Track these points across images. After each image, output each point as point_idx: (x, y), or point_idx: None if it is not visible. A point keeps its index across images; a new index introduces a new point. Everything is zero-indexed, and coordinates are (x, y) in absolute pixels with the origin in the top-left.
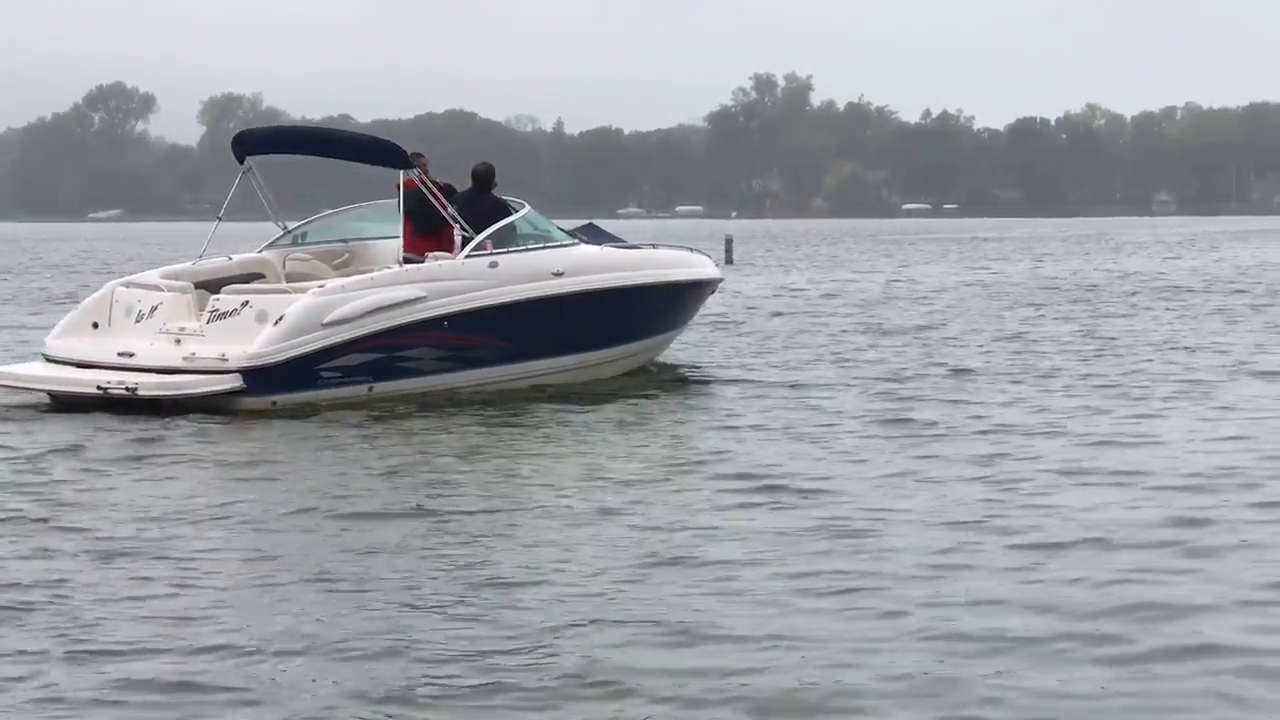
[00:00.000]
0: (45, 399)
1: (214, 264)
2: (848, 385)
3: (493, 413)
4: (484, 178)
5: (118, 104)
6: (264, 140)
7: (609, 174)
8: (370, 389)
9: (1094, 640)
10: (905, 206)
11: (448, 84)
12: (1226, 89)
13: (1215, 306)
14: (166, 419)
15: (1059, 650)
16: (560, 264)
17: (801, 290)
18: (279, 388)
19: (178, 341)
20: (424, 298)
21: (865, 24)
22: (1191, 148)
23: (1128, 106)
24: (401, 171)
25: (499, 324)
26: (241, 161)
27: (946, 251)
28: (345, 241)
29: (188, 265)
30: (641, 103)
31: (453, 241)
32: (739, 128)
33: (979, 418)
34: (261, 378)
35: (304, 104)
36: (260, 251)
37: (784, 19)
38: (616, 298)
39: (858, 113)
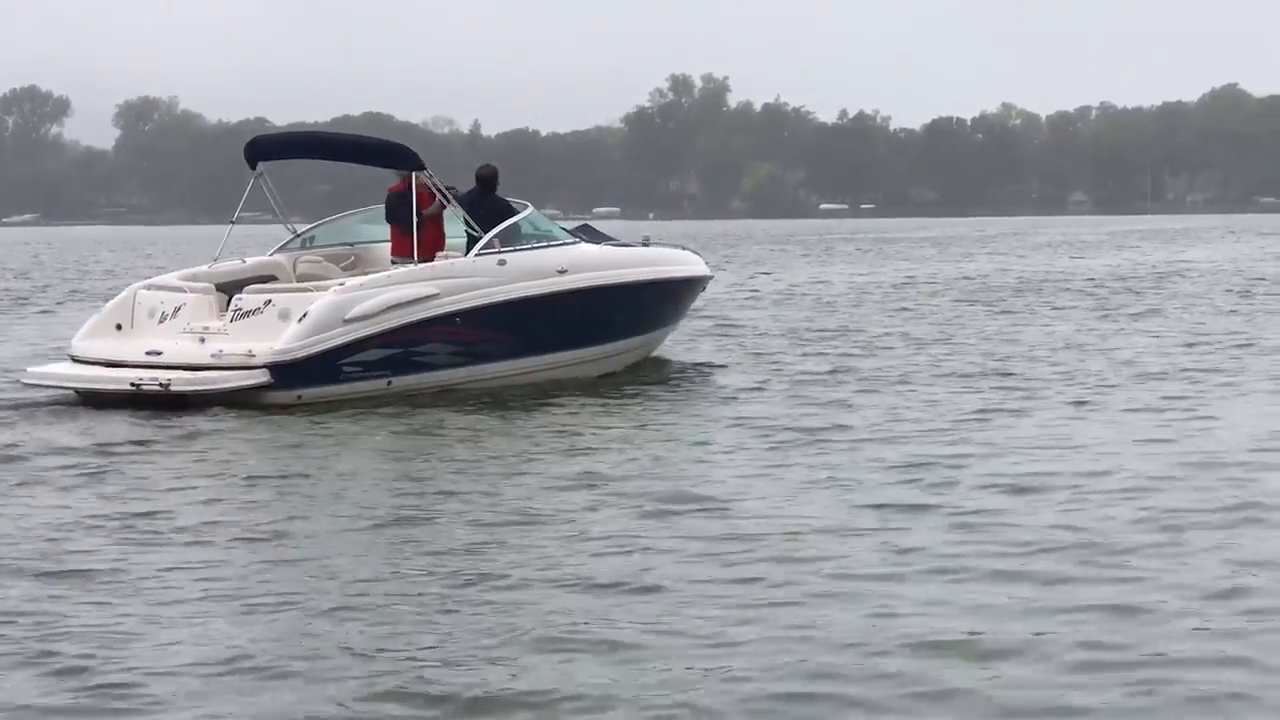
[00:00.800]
0: (73, 396)
1: (229, 266)
2: (772, 387)
3: (499, 411)
4: (488, 180)
5: (32, 108)
6: (275, 146)
7: (526, 176)
8: (389, 383)
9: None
10: (823, 206)
11: (365, 86)
12: (1141, 89)
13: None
14: (196, 413)
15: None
16: (563, 262)
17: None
18: (304, 382)
19: (202, 340)
20: (437, 295)
21: (782, 25)
22: (1106, 147)
23: (1043, 106)
24: (396, 173)
25: (507, 320)
26: (254, 167)
27: (866, 252)
28: (351, 245)
29: (204, 268)
30: (558, 104)
31: (434, 243)
32: (656, 129)
33: (894, 421)
34: (287, 372)
35: (220, 106)
36: (272, 255)
37: (701, 20)
38: (618, 294)
39: (775, 113)
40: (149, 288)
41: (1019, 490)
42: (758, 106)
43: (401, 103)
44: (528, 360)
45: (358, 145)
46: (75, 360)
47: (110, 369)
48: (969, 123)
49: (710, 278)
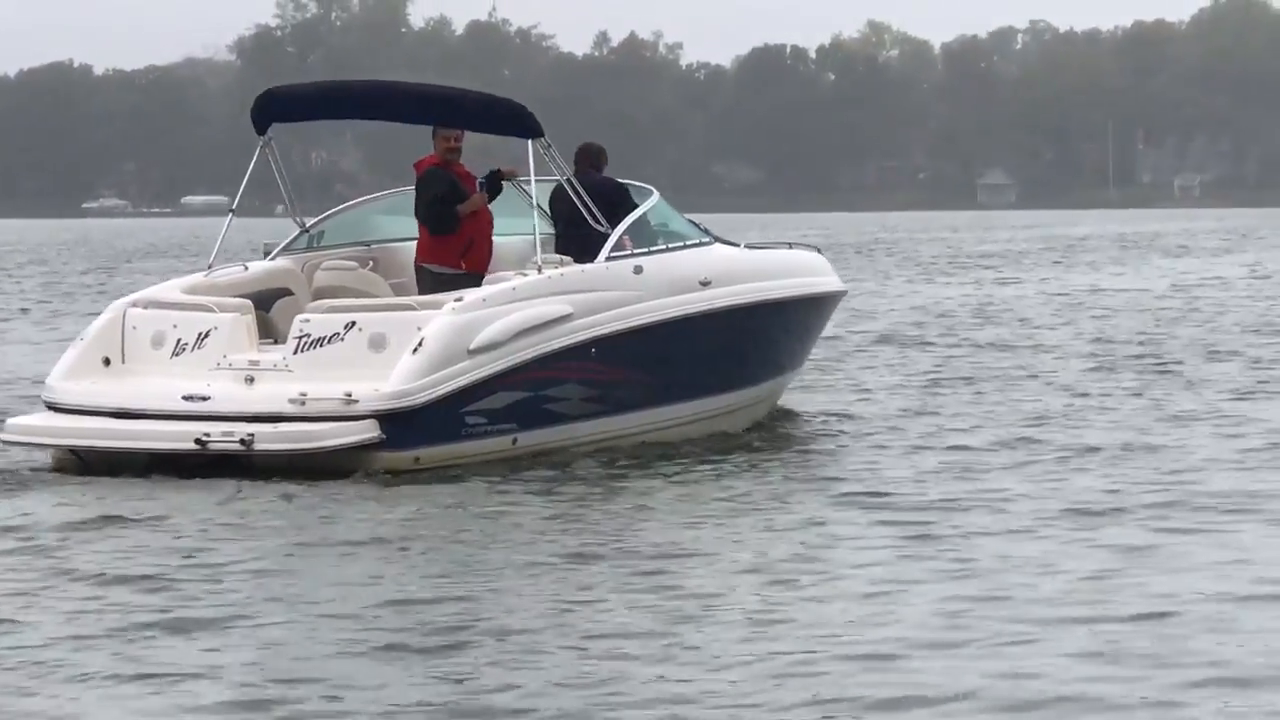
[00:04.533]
0: (49, 459)
1: (230, 276)
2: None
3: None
4: (596, 156)
5: None
6: (301, 102)
7: (69, 143)
8: (514, 441)
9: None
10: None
11: None
12: (1097, 1)
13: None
14: (257, 485)
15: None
16: (705, 269)
17: None
18: (423, 439)
19: (249, 380)
20: (570, 315)
21: None
22: (1040, 95)
23: (936, 29)
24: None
25: (649, 352)
26: (262, 131)
27: None
28: (368, 245)
29: (199, 277)
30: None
31: (485, 247)
32: (285, 60)
33: None
34: (404, 425)
35: None
36: (273, 258)
37: None
38: (773, 314)
39: (491, 39)
40: (144, 306)
41: None
42: (459, 28)
43: None
44: (670, 409)
45: (444, 101)
46: (53, 408)
47: (118, 420)
48: (812, 55)
49: (845, 293)
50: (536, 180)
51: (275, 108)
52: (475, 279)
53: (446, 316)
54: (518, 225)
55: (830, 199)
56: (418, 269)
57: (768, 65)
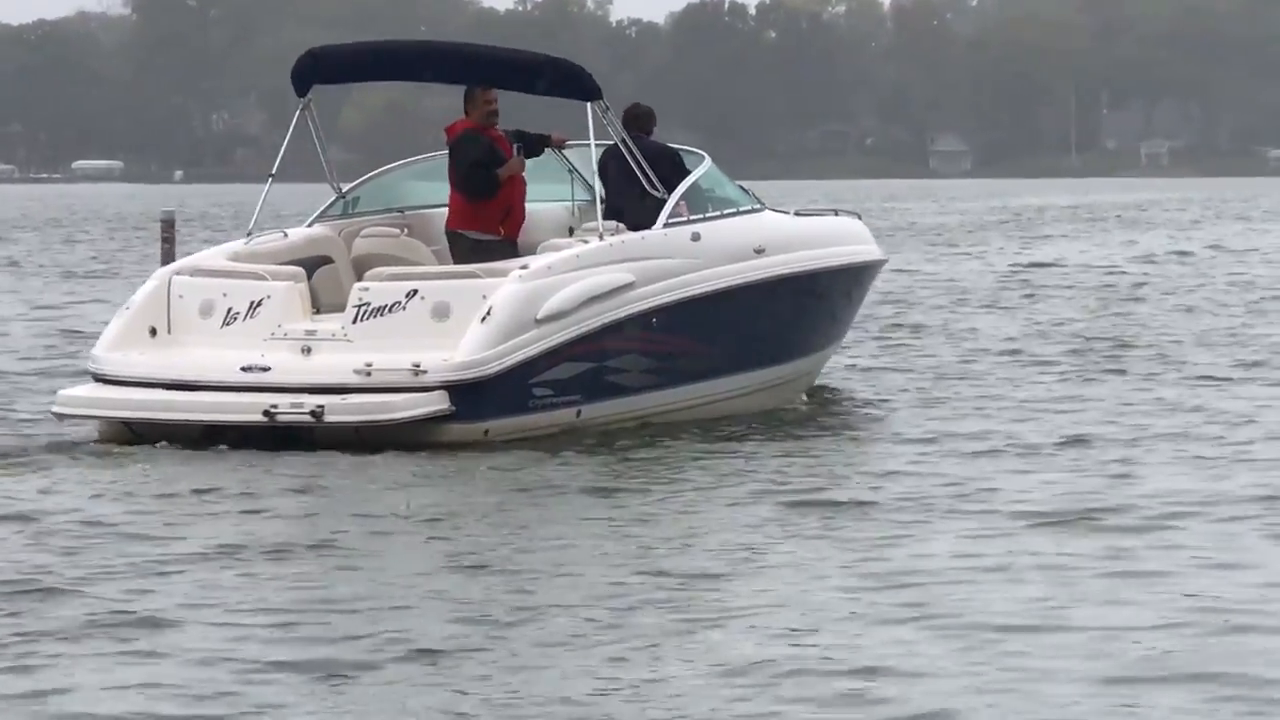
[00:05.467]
0: (95, 432)
1: (271, 244)
2: None
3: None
4: (645, 119)
5: None
6: (349, 63)
7: None
8: (579, 413)
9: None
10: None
11: None
12: None
13: None
14: (322, 458)
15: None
16: (759, 237)
17: None
18: (492, 410)
19: (306, 350)
20: (633, 283)
21: None
22: (997, 58)
23: None
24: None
25: (708, 321)
26: (303, 93)
27: None
28: (401, 211)
29: (240, 244)
30: None
31: (520, 213)
32: (184, 15)
33: None
34: (474, 396)
35: None
36: (310, 225)
37: None
38: (828, 282)
39: None
40: (192, 273)
41: None
42: None
43: None
44: (728, 380)
45: (499, 61)
46: (101, 380)
47: (176, 392)
48: (752, 11)
49: (887, 261)
50: (581, 145)
51: (318, 69)
52: (512, 245)
53: (514, 284)
54: (551, 191)
55: (771, 166)
56: (452, 235)
57: (704, 22)
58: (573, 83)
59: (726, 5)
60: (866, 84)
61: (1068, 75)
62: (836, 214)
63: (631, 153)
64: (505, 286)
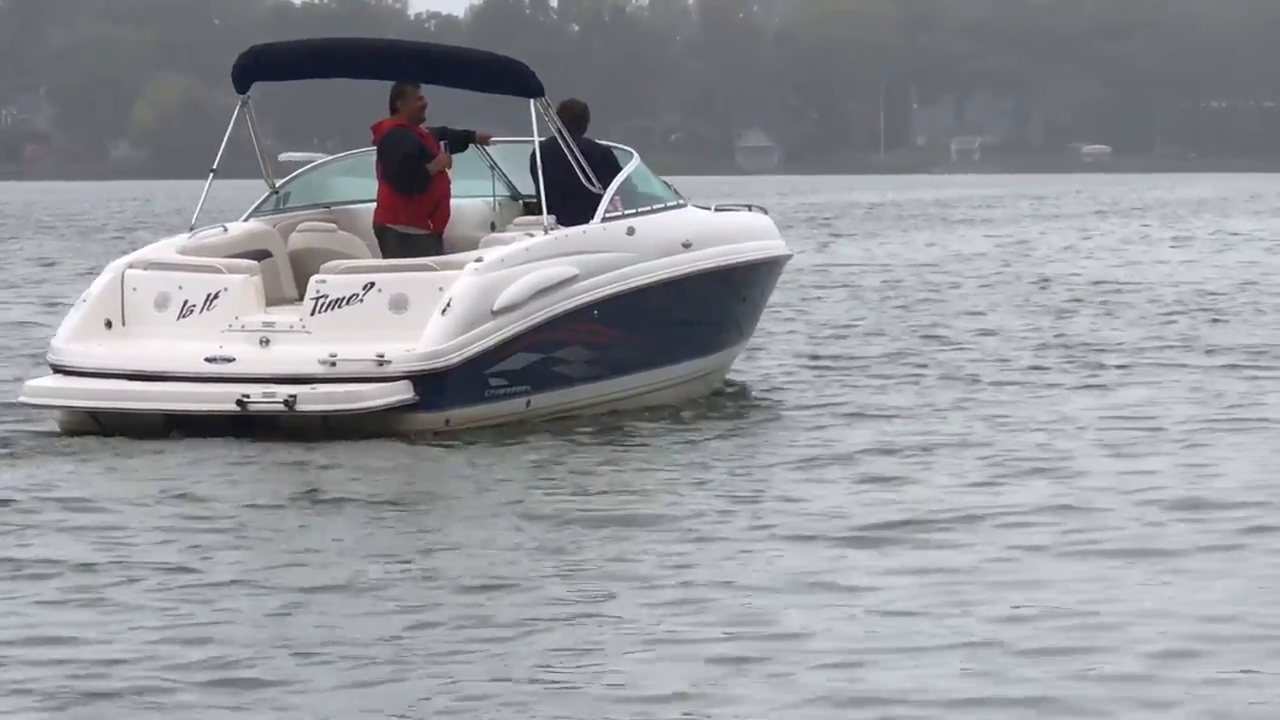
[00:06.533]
0: (54, 422)
1: (214, 238)
2: None
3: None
4: (581, 117)
5: None
6: (287, 60)
7: None
8: (528, 403)
9: None
10: (285, 157)
11: None
12: None
13: None
14: (282, 447)
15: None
16: (685, 231)
17: None
18: (453, 400)
19: (264, 341)
20: (576, 276)
21: None
22: (805, 52)
23: None
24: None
25: (642, 313)
26: (243, 90)
27: None
28: (328, 206)
29: (185, 238)
30: None
31: (447, 209)
32: None
33: None
34: (436, 386)
35: None
36: (246, 219)
37: None
38: (748, 276)
39: None
40: (145, 266)
41: None
42: None
43: None
44: (659, 372)
45: (445, 59)
46: (60, 371)
47: (143, 383)
48: (554, 4)
49: (791, 256)
50: (509, 141)
51: (259, 66)
52: (438, 239)
53: (471, 277)
54: (472, 187)
55: None
56: (380, 229)
57: (505, 15)
58: (516, 80)
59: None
60: (671, 78)
61: (877, 70)
62: (750, 209)
63: (570, 149)
64: (463, 279)
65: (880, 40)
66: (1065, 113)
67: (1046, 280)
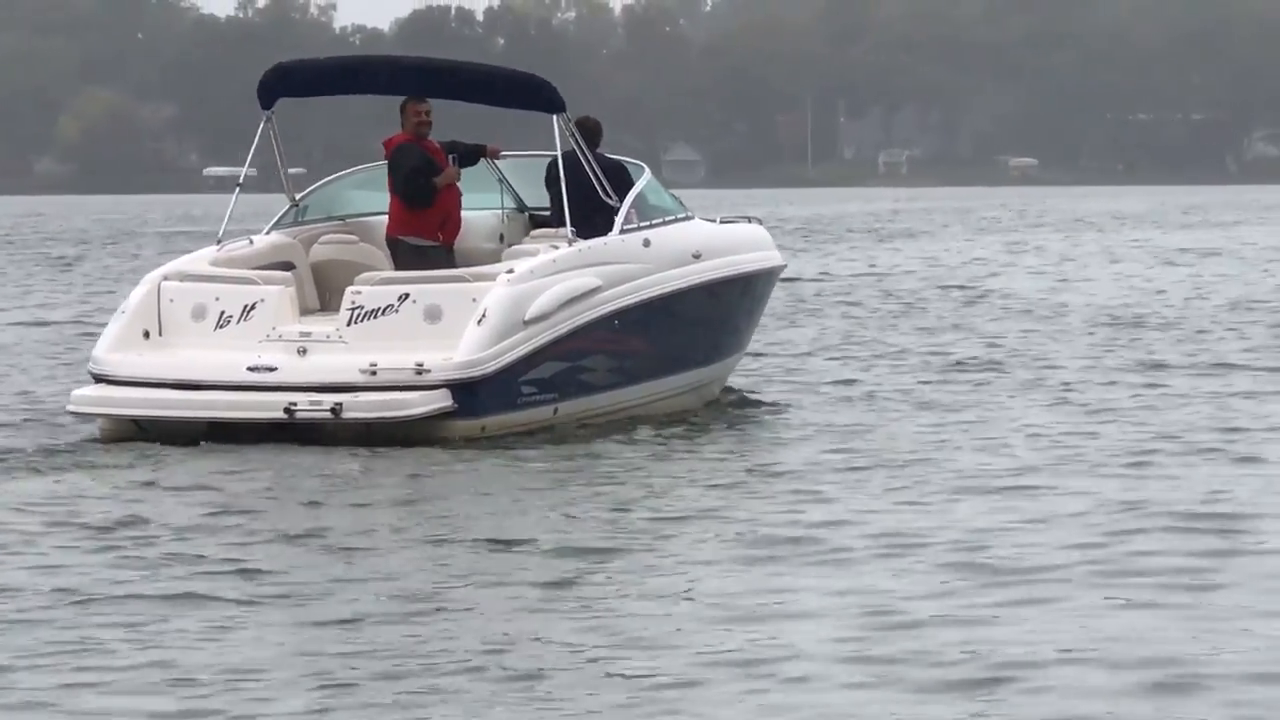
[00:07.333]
0: (97, 432)
1: (242, 250)
2: None
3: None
4: (595, 133)
5: None
6: (313, 77)
7: None
8: (555, 410)
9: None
10: (210, 171)
11: None
12: None
13: None
14: (323, 461)
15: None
16: (695, 242)
17: None
18: (490, 407)
19: (302, 351)
20: (600, 287)
21: None
22: (731, 65)
23: None
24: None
25: (658, 323)
26: (268, 105)
27: None
28: (343, 219)
29: (214, 251)
30: None
31: (457, 221)
32: None
33: None
34: (473, 394)
35: None
36: (267, 233)
37: None
38: (749, 286)
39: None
40: (180, 278)
41: None
42: None
43: None
44: (671, 380)
45: (473, 76)
46: (103, 380)
47: (190, 391)
48: (479, 17)
49: (785, 267)
50: (520, 156)
51: (286, 82)
52: (449, 251)
53: (504, 288)
54: (482, 200)
55: None
56: (392, 241)
57: (430, 28)
58: (537, 96)
59: (453, 11)
60: (597, 92)
61: (803, 83)
62: (749, 221)
63: (589, 163)
64: (496, 290)
65: (807, 53)
66: (992, 125)
67: (984, 295)
